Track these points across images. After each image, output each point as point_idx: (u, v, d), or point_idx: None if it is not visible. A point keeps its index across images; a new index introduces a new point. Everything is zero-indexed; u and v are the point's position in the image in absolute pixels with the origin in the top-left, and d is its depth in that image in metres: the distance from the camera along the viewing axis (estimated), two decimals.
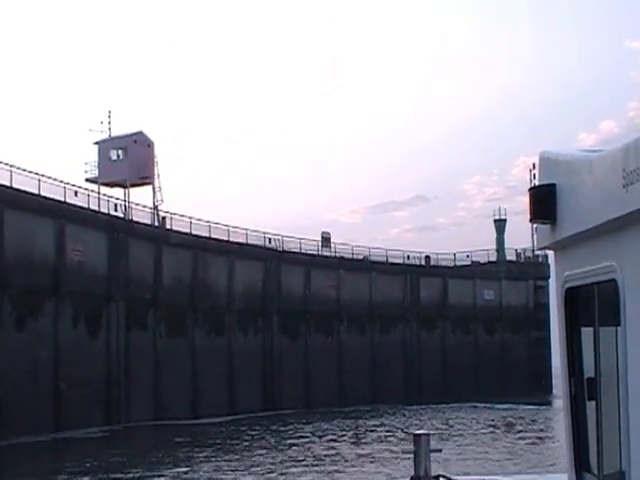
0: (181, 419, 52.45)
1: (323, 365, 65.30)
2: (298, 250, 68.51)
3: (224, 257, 60.59)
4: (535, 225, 6.15)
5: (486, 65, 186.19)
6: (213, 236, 60.69)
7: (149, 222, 56.76)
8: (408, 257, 78.48)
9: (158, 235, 55.85)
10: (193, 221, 59.22)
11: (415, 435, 7.22)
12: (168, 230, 57.19)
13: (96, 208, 51.19)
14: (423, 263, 79.30)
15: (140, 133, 62.35)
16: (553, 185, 5.57)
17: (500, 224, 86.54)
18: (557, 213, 5.56)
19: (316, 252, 70.46)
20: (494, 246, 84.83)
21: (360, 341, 69.33)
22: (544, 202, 5.60)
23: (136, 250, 53.11)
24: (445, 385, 72.48)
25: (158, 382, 53.70)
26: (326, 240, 73.47)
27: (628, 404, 4.71)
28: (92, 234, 49.35)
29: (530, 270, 79.75)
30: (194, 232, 59.06)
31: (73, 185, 49.60)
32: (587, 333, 5.52)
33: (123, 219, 53.33)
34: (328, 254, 71.44)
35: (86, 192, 50.40)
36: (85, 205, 49.74)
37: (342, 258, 71.62)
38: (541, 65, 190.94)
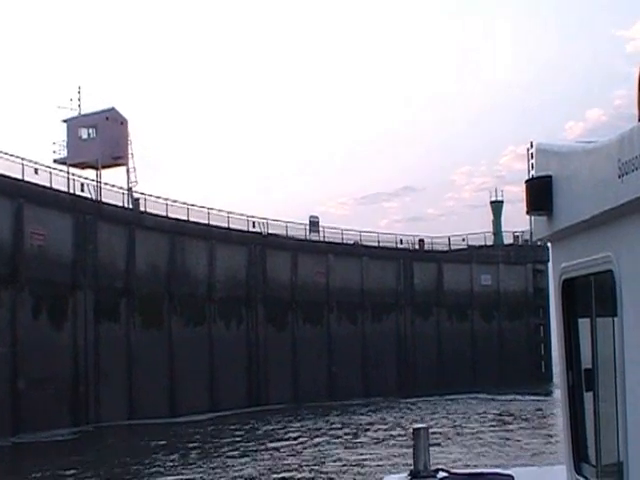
0: (158, 418, 49.10)
1: (312, 357, 62.52)
2: (284, 234, 64.83)
3: (204, 242, 56.89)
4: (532, 217, 6.14)
5: (472, 56, 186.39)
6: (192, 219, 56.74)
7: (121, 204, 52.20)
8: (401, 241, 75.81)
9: (131, 218, 51.66)
10: (170, 203, 55.37)
11: (414, 429, 7.83)
12: (142, 212, 52.99)
13: (60, 188, 46.55)
14: (417, 247, 76.60)
15: (112, 110, 58.13)
16: (549, 177, 5.64)
17: (497, 206, 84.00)
18: (553, 204, 5.63)
19: (304, 237, 67.17)
20: (488, 230, 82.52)
21: (351, 331, 66.61)
22: (540, 194, 5.67)
23: (106, 234, 49.00)
24: (441, 376, 70.18)
25: (132, 378, 49.96)
26: (314, 224, 70.03)
27: (625, 395, 4.77)
28: (55, 216, 45.01)
29: (529, 254, 77.28)
30: (171, 215, 55.11)
31: (34, 162, 45.05)
32: (584, 324, 5.58)
33: (91, 200, 48.92)
34: (317, 239, 68.16)
35: (48, 170, 45.74)
36: (47, 184, 45.10)
37: (331, 243, 68.47)
38: (527, 54, 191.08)
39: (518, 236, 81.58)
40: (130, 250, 50.83)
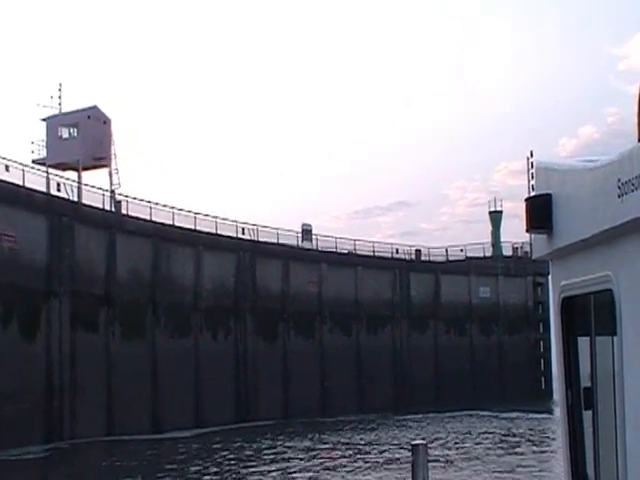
0: (139, 434, 46.24)
1: (304, 370, 60.08)
2: (275, 242, 62.33)
3: (190, 248, 54.19)
4: (531, 235, 6.22)
5: (466, 71, 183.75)
6: (178, 224, 53.93)
7: (102, 206, 49.20)
8: (397, 251, 73.65)
9: (111, 220, 48.74)
10: (153, 206, 52.30)
11: (412, 445, 8.43)
12: (124, 215, 50.03)
13: (34, 187, 43.51)
14: (413, 258, 74.42)
15: (95, 108, 55.22)
16: (549, 195, 5.71)
17: (496, 216, 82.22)
18: (553, 223, 5.70)
19: (296, 245, 64.90)
20: (486, 241, 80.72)
21: (345, 343, 64.55)
22: (540, 212, 5.73)
23: (84, 237, 46.07)
24: (438, 391, 68.83)
25: (111, 392, 47.04)
26: (307, 233, 67.62)
27: (625, 413, 4.80)
28: (28, 217, 41.95)
29: (529, 266, 74.79)
30: (155, 219, 52.20)
31: (5, 159, 41.96)
32: (584, 342, 5.61)
33: (67, 200, 45.86)
34: (309, 247, 65.86)
35: (21, 167, 42.64)
36: (19, 183, 42.05)
37: (324, 251, 66.23)
38: (521, 70, 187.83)
39: (517, 248, 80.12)
40: (110, 255, 48.01)
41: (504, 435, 44.05)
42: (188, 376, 52.10)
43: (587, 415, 5.62)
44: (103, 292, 47.39)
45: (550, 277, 6.32)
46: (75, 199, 46.97)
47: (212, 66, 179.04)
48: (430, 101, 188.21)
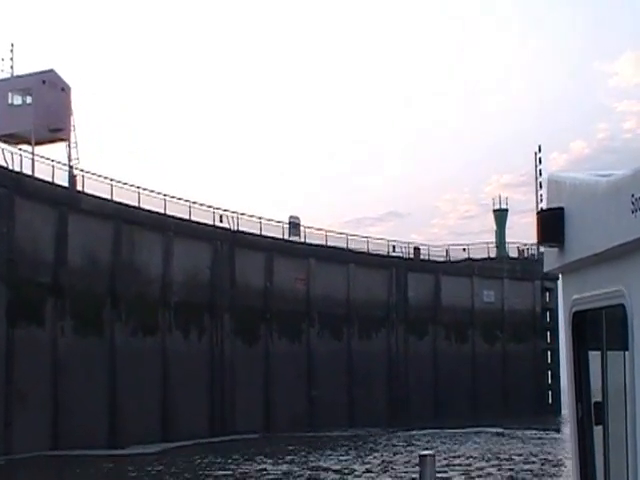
0: (92, 449, 40.17)
1: (288, 378, 55.85)
2: (258, 233, 56.91)
3: (158, 233, 48.29)
4: (543, 248, 6.32)
5: (458, 85, 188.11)
6: (144, 206, 47.69)
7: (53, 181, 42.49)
8: (394, 248, 68.49)
9: (63, 197, 42.17)
10: (115, 184, 45.81)
11: (420, 456, 8.73)
12: (79, 192, 43.37)
13: None
14: (411, 256, 69.64)
15: (51, 72, 48.76)
16: (561, 209, 5.77)
17: (501, 215, 78.23)
18: (565, 236, 5.75)
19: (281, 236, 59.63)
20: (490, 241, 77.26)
21: (335, 348, 60.52)
22: (552, 225, 5.79)
23: (27, 214, 39.62)
24: (437, 404, 66.02)
25: (58, 397, 40.67)
26: (295, 226, 62.14)
27: (636, 429, 4.86)
28: None
29: (537, 268, 69.98)
30: (117, 199, 45.89)
31: None
32: (595, 357, 5.66)
33: (7, 169, 39.03)
34: (297, 239, 60.90)
35: None
36: None
37: (313, 245, 61.16)
38: (511, 84, 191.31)
39: (523, 250, 76.48)
40: (61, 237, 41.62)
41: (526, 460, 37.09)
42: (154, 381, 46.47)
43: (597, 430, 5.63)
44: (51, 279, 41.06)
45: (561, 291, 6.38)
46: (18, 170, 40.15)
47: (206, 51, 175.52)
48: (430, 102, 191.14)
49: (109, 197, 44.99)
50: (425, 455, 8.18)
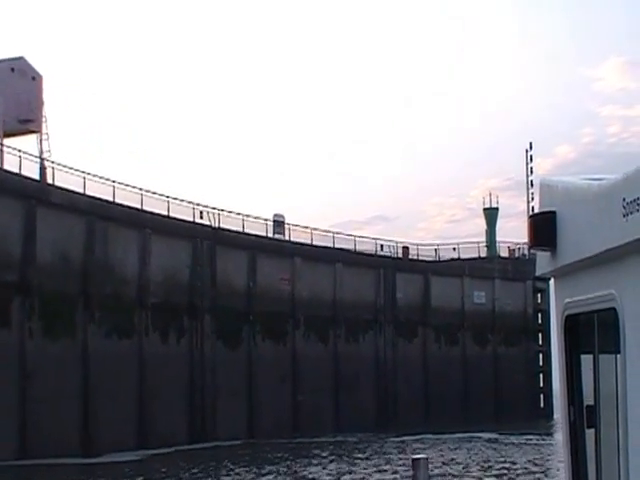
0: (64, 457, 37.91)
1: (272, 382, 54.46)
2: (241, 230, 55.18)
3: (134, 231, 46.22)
4: (535, 252, 6.40)
5: (443, 90, 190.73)
6: (120, 201, 45.59)
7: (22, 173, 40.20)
8: (382, 247, 66.88)
9: (32, 190, 39.96)
10: (89, 177, 43.61)
11: (413, 460, 8.92)
12: (49, 185, 41.09)
13: None
14: (400, 256, 68.01)
15: (21, 60, 46.49)
16: (553, 212, 5.84)
17: (491, 213, 76.75)
18: (557, 240, 5.81)
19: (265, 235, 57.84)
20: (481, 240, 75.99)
21: (321, 351, 59.39)
22: (544, 229, 5.86)
23: None
24: (427, 408, 64.70)
25: (25, 403, 38.47)
26: (279, 225, 60.40)
27: (628, 432, 4.90)
28: None
29: (528, 268, 69.08)
30: (91, 193, 43.70)
31: None
32: (587, 360, 5.73)
33: None
34: (281, 238, 59.18)
35: None
36: None
37: (299, 243, 59.46)
38: (496, 89, 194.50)
39: (514, 250, 75.42)
40: (29, 232, 39.49)
41: (528, 470, 35.01)
42: (130, 386, 44.39)
43: (589, 433, 5.69)
44: (18, 278, 38.95)
45: (553, 294, 6.45)
46: None
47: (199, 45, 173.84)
48: (409, 117, 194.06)
49: (82, 191, 42.72)
50: (418, 458, 8.12)
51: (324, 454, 42.29)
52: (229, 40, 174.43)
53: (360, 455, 41.86)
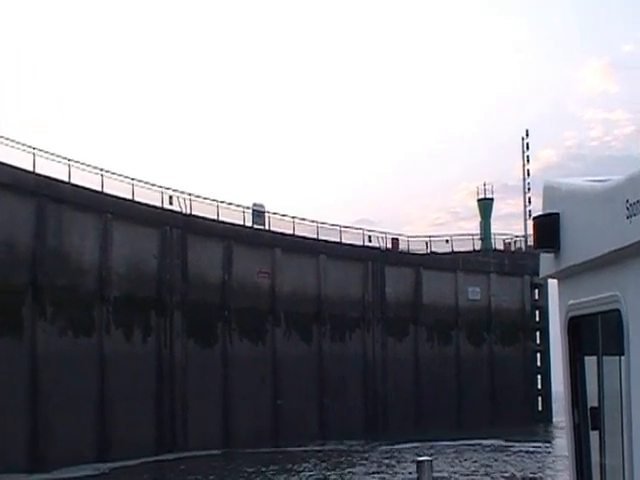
0: (9, 473, 34.21)
1: (250, 384, 51.65)
2: (215, 218, 51.78)
3: (93, 215, 42.09)
4: (539, 253, 6.43)
5: (427, 93, 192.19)
6: (75, 182, 41.53)
7: None
8: (370, 239, 63.69)
9: None
10: (39, 153, 39.37)
11: (417, 462, 8.89)
12: None
13: None
14: (389, 248, 65.55)
15: None
16: (557, 214, 5.91)
17: (486, 204, 74.73)
18: (561, 242, 5.88)
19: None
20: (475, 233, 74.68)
21: (304, 351, 57.04)
22: (548, 231, 5.93)
23: None
24: (419, 412, 62.78)
25: None
26: (258, 215, 57.57)
27: (632, 433, 4.94)
28: None
29: (526, 263, 67.15)
30: (41, 172, 39.41)
31: None
32: (590, 362, 5.80)
33: None
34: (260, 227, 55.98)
35: None
36: None
37: (279, 233, 56.29)
38: (479, 92, 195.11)
39: (509, 243, 73.93)
40: None
41: None
42: (87, 389, 40.31)
43: (594, 435, 5.73)
44: None
45: (557, 296, 6.53)
46: None
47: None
48: (394, 122, 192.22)
49: (30, 168, 38.38)
50: (422, 461, 8.22)
51: (307, 464, 38.94)
52: (210, 21, 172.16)
53: (353, 470, 38.31)
